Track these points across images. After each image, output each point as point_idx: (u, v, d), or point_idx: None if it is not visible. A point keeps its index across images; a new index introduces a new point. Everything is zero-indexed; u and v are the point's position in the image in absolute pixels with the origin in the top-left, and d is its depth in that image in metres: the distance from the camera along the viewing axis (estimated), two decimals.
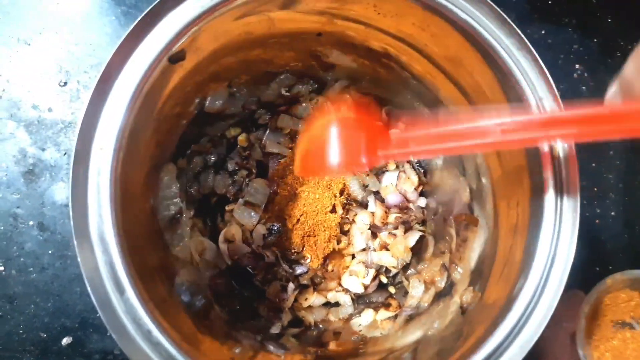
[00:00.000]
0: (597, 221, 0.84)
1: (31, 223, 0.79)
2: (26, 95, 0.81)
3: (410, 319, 0.66)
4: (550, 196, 0.45)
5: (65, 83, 0.82)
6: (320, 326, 0.69)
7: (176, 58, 0.45)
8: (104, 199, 0.41)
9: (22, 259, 0.77)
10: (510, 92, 0.47)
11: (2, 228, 0.78)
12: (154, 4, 0.43)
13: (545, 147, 0.45)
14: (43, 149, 0.80)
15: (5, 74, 0.81)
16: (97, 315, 0.76)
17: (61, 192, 0.79)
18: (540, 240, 0.45)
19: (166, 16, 0.44)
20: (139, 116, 0.44)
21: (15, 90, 0.81)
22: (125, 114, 0.42)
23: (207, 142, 0.69)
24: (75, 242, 0.41)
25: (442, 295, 0.64)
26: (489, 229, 0.58)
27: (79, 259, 0.41)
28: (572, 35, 0.88)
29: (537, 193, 0.45)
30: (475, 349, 0.43)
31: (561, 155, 0.46)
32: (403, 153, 0.49)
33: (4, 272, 0.77)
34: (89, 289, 0.41)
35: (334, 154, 0.45)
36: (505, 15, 0.47)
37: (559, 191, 0.45)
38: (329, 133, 0.45)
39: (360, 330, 0.67)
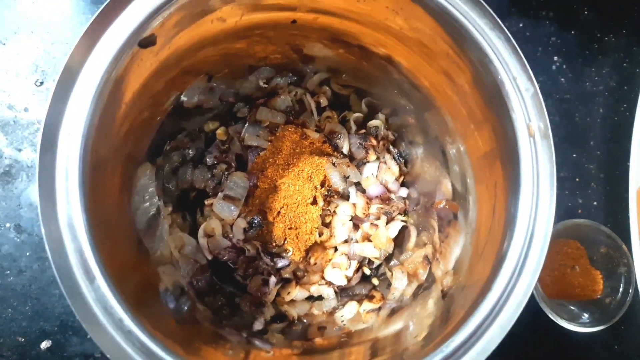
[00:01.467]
0: (579, 211, 0.84)
1: (8, 225, 0.77)
2: (1, 95, 0.80)
3: (393, 312, 0.65)
4: (527, 172, 0.44)
5: (42, 83, 0.81)
6: (305, 320, 0.68)
7: (146, 42, 0.45)
8: (73, 185, 0.40)
9: None
10: (484, 72, 0.47)
11: None
12: None
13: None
14: (19, 150, 0.79)
15: None
16: (77, 317, 0.75)
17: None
18: (519, 218, 0.44)
19: (133, 0, 0.43)
20: (109, 102, 0.43)
21: None
22: (94, 99, 0.41)
23: (184, 137, 0.68)
24: (42, 229, 0.40)
25: (424, 289, 0.63)
26: (468, 226, 0.58)
27: (46, 246, 0.40)
28: (550, 27, 0.89)
29: (514, 169, 0.45)
30: (456, 330, 0.42)
31: (537, 133, 0.45)
32: None
33: None
34: (56, 276, 0.39)
35: None
36: None
37: (535, 168, 0.45)
38: None
39: (344, 324, 0.66)
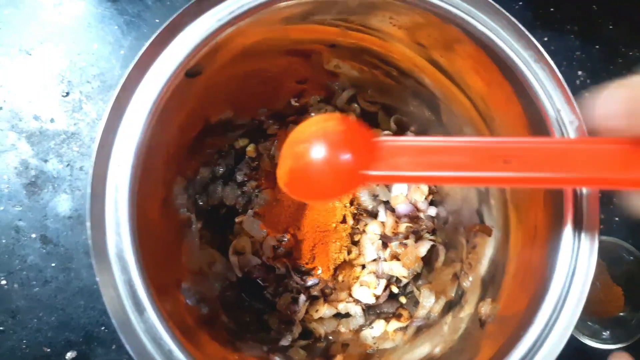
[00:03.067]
0: (601, 227, 0.84)
1: (33, 236, 0.77)
2: (27, 105, 0.80)
3: (419, 330, 0.65)
4: (569, 207, 0.45)
5: (68, 93, 0.81)
6: (330, 337, 0.68)
7: (193, 72, 0.45)
8: (122, 216, 0.41)
9: (24, 273, 0.76)
10: (527, 104, 0.47)
11: (4, 241, 0.76)
12: (173, 17, 0.42)
13: None
14: (45, 160, 0.79)
15: (6, 85, 0.80)
16: (102, 328, 0.76)
17: (64, 203, 0.78)
18: (562, 248, 0.44)
19: (183, 30, 0.43)
20: (155, 132, 0.43)
21: (16, 100, 0.80)
22: (143, 130, 0.42)
23: (215, 154, 0.68)
24: (94, 262, 0.40)
25: (452, 305, 0.64)
26: (498, 237, 0.58)
27: (97, 279, 0.40)
28: (574, 42, 0.89)
29: (557, 206, 0.45)
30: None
31: None
32: (388, 176, 0.37)
33: (6, 286, 0.75)
34: (108, 309, 0.40)
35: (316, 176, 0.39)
36: (523, 28, 0.47)
37: (579, 203, 0.45)
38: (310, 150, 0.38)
39: (374, 342, 0.67)
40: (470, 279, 0.62)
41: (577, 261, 0.44)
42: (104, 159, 0.41)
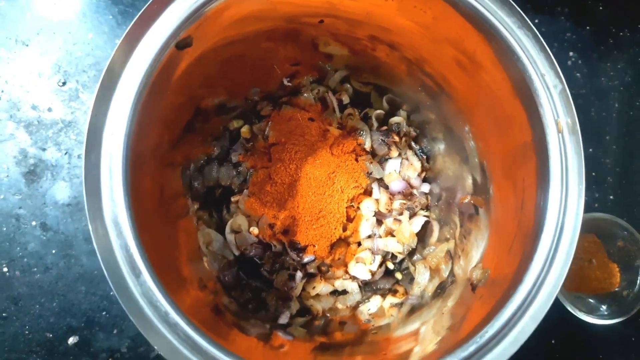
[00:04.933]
0: (596, 205, 0.85)
1: (34, 223, 0.78)
2: (25, 95, 0.81)
3: (412, 310, 0.66)
4: (556, 167, 0.45)
5: (64, 83, 0.82)
6: (328, 315, 0.69)
7: (183, 44, 0.46)
8: (117, 183, 0.42)
9: (25, 260, 0.77)
10: (512, 69, 0.48)
11: (4, 229, 0.77)
12: None
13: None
14: (44, 149, 0.80)
15: (4, 75, 0.81)
16: (103, 313, 0.77)
17: (63, 191, 0.79)
18: (549, 212, 0.45)
19: (173, 3, 0.44)
20: (147, 102, 0.44)
21: (14, 91, 0.81)
22: (135, 99, 0.43)
23: (209, 136, 0.69)
24: (90, 227, 0.41)
25: (443, 289, 0.64)
26: (493, 219, 0.58)
27: (94, 244, 0.41)
28: (565, 23, 0.90)
29: (543, 164, 0.46)
30: (489, 320, 0.44)
31: (565, 129, 0.47)
32: None
33: (7, 274, 0.76)
34: (105, 272, 0.41)
35: None
36: None
37: (565, 164, 0.46)
38: None
39: (370, 318, 0.68)
40: (462, 264, 0.62)
41: (564, 219, 0.45)
42: (98, 128, 0.42)
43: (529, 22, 0.47)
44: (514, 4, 0.48)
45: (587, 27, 0.90)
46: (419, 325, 0.61)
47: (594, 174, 0.86)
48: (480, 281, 0.52)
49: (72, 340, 0.76)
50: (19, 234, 0.78)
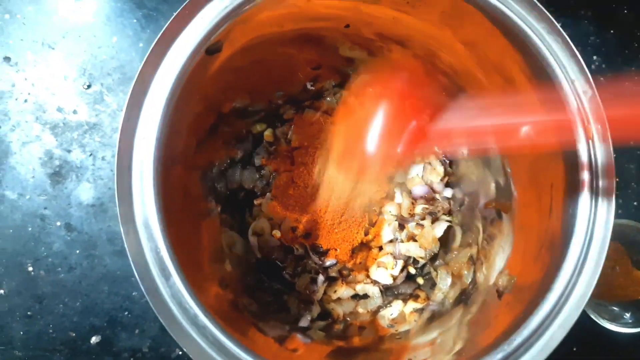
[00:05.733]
0: (619, 211, 0.84)
1: (58, 224, 0.79)
2: (51, 98, 0.82)
3: (433, 317, 0.66)
4: (586, 175, 0.45)
5: (89, 86, 0.83)
6: (348, 319, 0.69)
7: (213, 49, 0.46)
8: (147, 187, 0.42)
9: (50, 259, 0.78)
10: (542, 76, 0.48)
11: (30, 229, 0.79)
12: None
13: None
14: (69, 151, 0.81)
15: (30, 78, 0.82)
16: (126, 313, 0.78)
17: (87, 192, 0.80)
18: (578, 220, 0.45)
19: (203, 8, 0.45)
20: (177, 107, 0.45)
21: (40, 93, 0.82)
22: (166, 104, 0.43)
23: (233, 139, 0.70)
24: (122, 229, 0.41)
25: (465, 297, 0.64)
26: (518, 226, 0.58)
27: (125, 246, 0.42)
28: (589, 27, 0.89)
29: (572, 171, 0.45)
30: (518, 328, 0.43)
31: (595, 135, 0.46)
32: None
33: (32, 273, 0.78)
34: (136, 275, 0.41)
35: (372, 140, 0.44)
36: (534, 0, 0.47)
37: (595, 171, 0.45)
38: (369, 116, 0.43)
39: (389, 325, 0.68)
40: (485, 271, 0.62)
41: (594, 226, 0.44)
42: (130, 133, 0.43)
43: (559, 27, 0.47)
44: (543, 8, 0.47)
45: (611, 31, 0.89)
46: (438, 334, 0.60)
47: (617, 179, 0.84)
48: (507, 288, 0.52)
49: (94, 339, 0.77)
50: (44, 234, 0.79)
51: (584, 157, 0.46)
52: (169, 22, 0.44)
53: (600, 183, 0.45)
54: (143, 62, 0.43)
